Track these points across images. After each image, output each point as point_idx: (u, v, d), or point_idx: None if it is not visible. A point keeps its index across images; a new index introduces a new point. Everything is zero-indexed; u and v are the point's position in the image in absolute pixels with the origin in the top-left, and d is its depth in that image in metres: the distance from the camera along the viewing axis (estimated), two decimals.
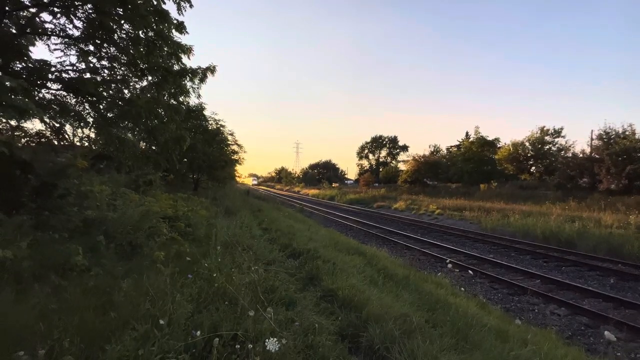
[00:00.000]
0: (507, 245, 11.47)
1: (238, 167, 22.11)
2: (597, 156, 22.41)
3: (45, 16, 5.59)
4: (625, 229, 11.74)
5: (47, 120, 5.77)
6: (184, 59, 6.44)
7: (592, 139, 25.25)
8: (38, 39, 5.64)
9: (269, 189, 74.59)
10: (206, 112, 14.83)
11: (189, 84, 6.89)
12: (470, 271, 6.35)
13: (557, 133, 30.59)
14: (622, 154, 20.10)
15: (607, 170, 20.49)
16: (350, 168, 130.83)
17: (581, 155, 24.86)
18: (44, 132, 5.93)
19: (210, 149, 15.19)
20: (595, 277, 8.00)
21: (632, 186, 19.94)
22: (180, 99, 7.16)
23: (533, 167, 32.10)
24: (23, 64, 5.39)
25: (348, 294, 3.77)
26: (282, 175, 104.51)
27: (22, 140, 5.86)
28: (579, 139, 36.54)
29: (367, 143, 65.84)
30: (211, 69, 7.03)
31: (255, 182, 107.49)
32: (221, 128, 16.54)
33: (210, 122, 15.96)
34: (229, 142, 17.46)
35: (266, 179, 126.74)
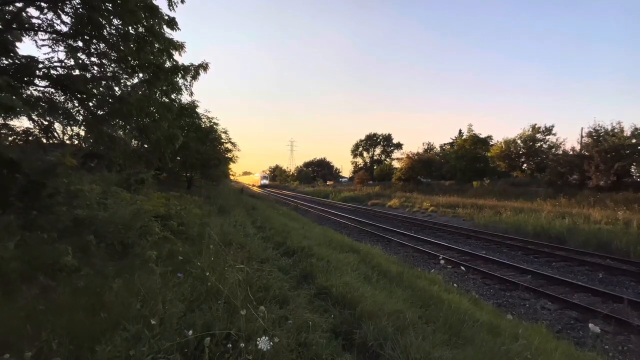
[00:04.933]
0: (499, 241, 11.60)
1: (232, 165, 21.97)
2: (586, 153, 22.75)
3: (32, 11, 5.48)
4: (613, 224, 11.97)
5: (35, 118, 5.68)
6: (176, 55, 6.38)
7: (582, 137, 25.69)
8: (25, 35, 5.51)
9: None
10: (199, 110, 14.71)
11: (181, 81, 6.82)
12: (463, 267, 6.42)
13: (548, 131, 31.00)
14: (610, 151, 20.44)
15: (596, 167, 20.84)
16: (345, 166, 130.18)
17: (571, 153, 25.20)
18: (32, 130, 5.83)
19: (204, 147, 15.08)
20: (585, 272, 8.15)
21: (620, 183, 20.32)
22: (172, 97, 7.08)
23: (525, 165, 32.49)
24: (9, 60, 5.27)
25: (342, 291, 3.77)
26: (276, 174, 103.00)
27: (9, 138, 5.74)
28: (569, 137, 37.20)
29: (361, 141, 65.97)
30: (203, 66, 6.96)
31: (266, 182, 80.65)
32: (214, 126, 16.45)
33: (203, 120, 15.85)
34: (222, 140, 17.35)
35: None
